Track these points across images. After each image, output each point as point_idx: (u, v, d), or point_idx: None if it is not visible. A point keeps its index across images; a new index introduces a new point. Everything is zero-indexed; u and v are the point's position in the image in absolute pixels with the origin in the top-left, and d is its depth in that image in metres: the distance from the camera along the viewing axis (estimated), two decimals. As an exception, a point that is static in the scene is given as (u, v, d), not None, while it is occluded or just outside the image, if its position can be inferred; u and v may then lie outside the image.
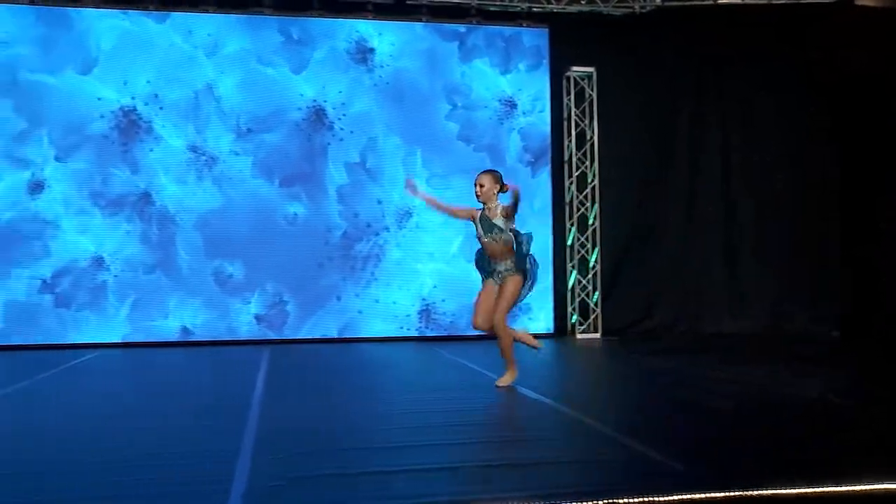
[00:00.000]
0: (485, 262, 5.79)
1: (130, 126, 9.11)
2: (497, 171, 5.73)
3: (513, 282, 5.60)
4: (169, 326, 9.14)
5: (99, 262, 9.04)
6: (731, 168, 10.46)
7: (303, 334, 9.37)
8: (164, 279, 9.14)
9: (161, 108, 9.17)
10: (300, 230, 9.40)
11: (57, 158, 8.97)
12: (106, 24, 9.13)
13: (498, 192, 5.62)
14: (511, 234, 5.58)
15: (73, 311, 8.97)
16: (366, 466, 3.61)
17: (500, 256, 5.63)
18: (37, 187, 8.93)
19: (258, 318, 9.31)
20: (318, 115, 9.45)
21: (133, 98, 9.12)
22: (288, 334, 9.34)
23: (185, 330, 9.16)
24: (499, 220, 5.58)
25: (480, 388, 5.89)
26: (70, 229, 8.97)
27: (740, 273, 10.39)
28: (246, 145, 9.32)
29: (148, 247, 9.14)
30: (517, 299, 5.67)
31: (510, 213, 5.51)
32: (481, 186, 5.59)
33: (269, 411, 4.96)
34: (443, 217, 9.60)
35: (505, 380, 5.77)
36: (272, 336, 9.30)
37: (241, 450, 3.88)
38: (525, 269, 5.62)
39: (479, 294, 5.80)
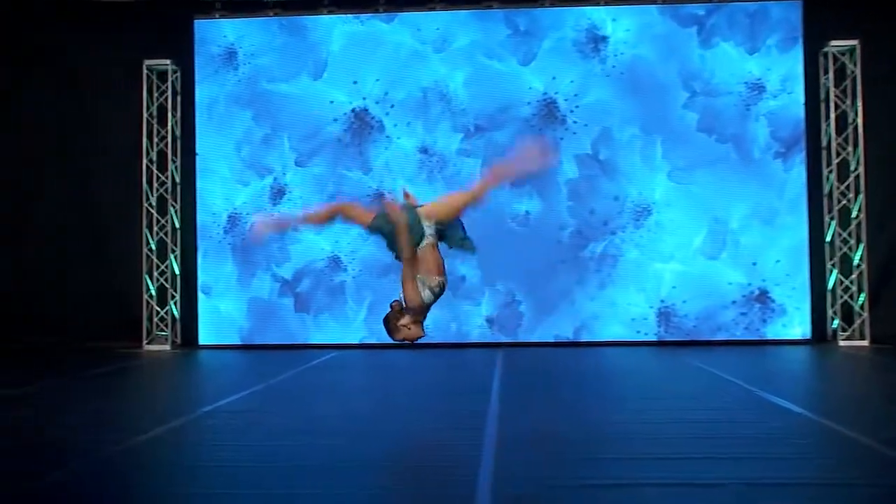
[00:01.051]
0: None
1: (363, 127, 9.67)
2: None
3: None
4: (401, 327, 9.57)
5: (336, 263, 9.66)
6: None
7: (535, 337, 9.48)
8: (397, 280, 9.57)
9: (392, 107, 9.64)
10: (531, 230, 9.51)
11: (297, 163, 9.69)
12: (338, 30, 9.74)
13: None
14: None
15: (313, 312, 9.65)
16: (614, 478, 3.61)
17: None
18: (279, 192, 9.71)
19: (489, 320, 9.53)
20: (549, 109, 9.51)
21: (364, 98, 9.67)
22: (520, 337, 9.48)
23: (416, 331, 9.55)
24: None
25: (730, 397, 5.67)
26: (308, 231, 9.64)
27: None
28: (476, 142, 9.57)
29: (382, 247, 9.61)
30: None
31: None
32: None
33: (507, 416, 5.08)
34: (685, 214, 9.39)
35: None
36: (504, 339, 9.49)
37: (482, 455, 4.00)
38: None
39: None
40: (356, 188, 9.65)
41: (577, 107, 9.48)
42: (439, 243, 4.81)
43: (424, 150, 9.63)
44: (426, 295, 4.70)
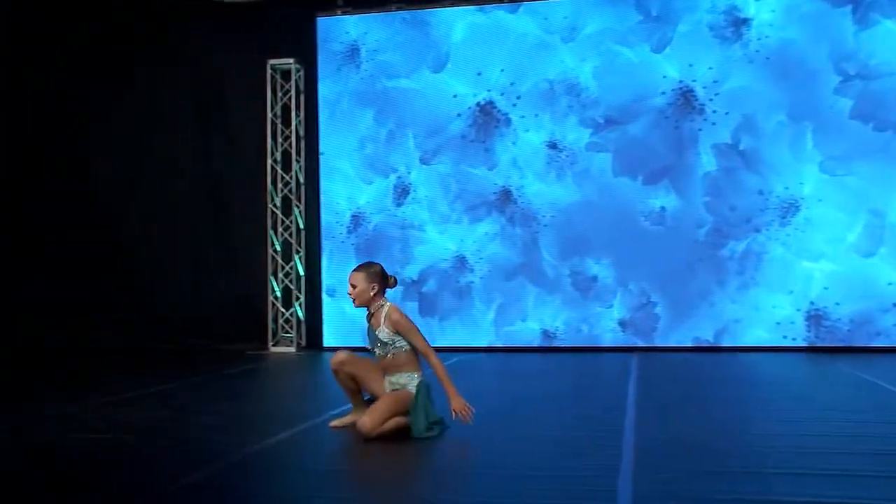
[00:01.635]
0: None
1: (488, 122, 9.66)
2: (375, 265, 4.85)
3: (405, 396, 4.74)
4: (530, 330, 9.54)
5: (462, 263, 9.70)
6: None
7: (672, 341, 9.25)
8: (526, 281, 9.56)
9: (518, 98, 9.59)
10: (666, 227, 9.29)
11: (421, 161, 9.79)
12: (461, 22, 9.78)
13: (380, 291, 4.80)
14: (404, 342, 4.75)
15: (438, 314, 9.72)
16: (766, 493, 3.48)
17: (395, 368, 4.78)
18: (403, 191, 9.83)
19: (622, 323, 9.36)
20: (685, 98, 9.26)
21: (489, 90, 9.67)
22: (656, 341, 9.27)
23: (545, 334, 9.50)
24: (383, 332, 4.73)
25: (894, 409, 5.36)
26: (433, 231, 9.74)
27: None
28: (608, 136, 9.41)
29: (509, 247, 9.62)
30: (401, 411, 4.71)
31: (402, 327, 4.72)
32: (353, 287, 4.77)
33: (645, 424, 4.97)
34: (838, 208, 8.95)
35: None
36: (638, 342, 9.31)
37: (621, 465, 3.93)
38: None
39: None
40: (481, 185, 9.67)
41: (716, 94, 9.19)
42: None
43: (553, 145, 9.55)
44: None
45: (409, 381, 4.74)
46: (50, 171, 10.66)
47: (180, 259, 10.43)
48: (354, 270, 4.81)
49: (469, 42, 9.76)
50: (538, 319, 9.54)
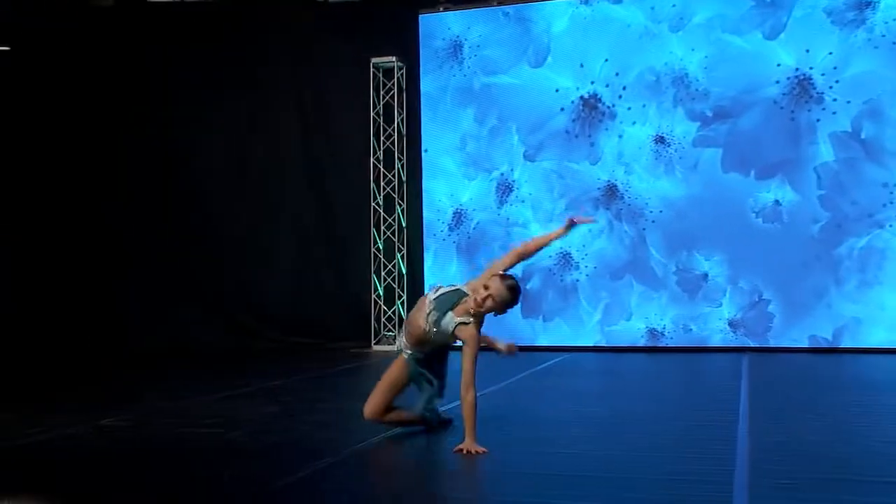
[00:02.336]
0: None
1: (592, 115, 9.54)
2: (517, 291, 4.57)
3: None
4: (635, 329, 9.38)
5: (567, 260, 9.61)
6: None
7: (787, 342, 8.95)
8: (632, 278, 9.41)
9: (624, 88, 9.44)
10: (782, 223, 8.99)
11: (525, 157, 9.73)
12: (563, 14, 9.68)
13: (495, 311, 4.54)
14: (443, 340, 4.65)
15: (541, 313, 9.65)
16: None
17: (410, 339, 4.77)
18: (507, 189, 9.80)
19: (732, 323, 9.11)
20: (802, 87, 8.94)
21: (592, 83, 9.54)
22: (769, 341, 8.99)
23: (651, 333, 9.33)
24: (449, 324, 4.56)
25: None
26: (537, 228, 9.66)
27: None
28: (718, 128, 9.17)
29: (616, 244, 9.48)
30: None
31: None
32: (486, 289, 4.49)
33: (759, 428, 4.83)
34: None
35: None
36: (750, 343, 9.04)
37: (735, 471, 3.82)
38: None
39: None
40: (586, 181, 9.56)
41: (836, 82, 8.82)
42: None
43: (660, 139, 9.36)
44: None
45: (406, 353, 4.80)
46: (157, 172, 11.04)
47: (285, 258, 10.66)
48: (507, 288, 4.47)
49: (570, 34, 9.65)
50: (644, 318, 9.37)
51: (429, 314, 4.59)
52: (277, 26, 10.67)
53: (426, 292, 4.99)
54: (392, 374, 4.82)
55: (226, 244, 10.81)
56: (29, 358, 9.79)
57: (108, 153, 11.11)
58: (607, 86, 9.51)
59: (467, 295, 4.58)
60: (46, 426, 5.21)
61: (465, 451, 4.26)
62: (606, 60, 9.50)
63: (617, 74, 9.48)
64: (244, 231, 10.80)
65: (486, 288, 4.46)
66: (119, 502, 3.38)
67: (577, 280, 9.59)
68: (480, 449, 4.26)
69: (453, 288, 4.67)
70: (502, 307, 4.51)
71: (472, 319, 4.51)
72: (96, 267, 11.07)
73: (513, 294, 4.49)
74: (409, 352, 4.78)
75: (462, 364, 4.43)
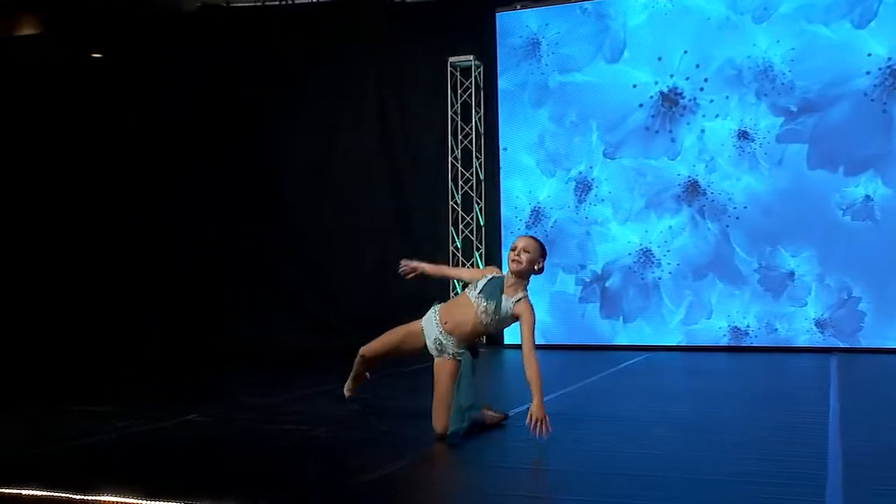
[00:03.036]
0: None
1: (671, 110, 9.38)
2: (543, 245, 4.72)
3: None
4: (717, 328, 9.20)
5: (648, 257, 9.47)
6: None
7: (878, 342, 8.67)
8: (714, 276, 9.23)
9: (706, 80, 9.26)
10: (873, 220, 8.71)
11: (604, 154, 9.63)
12: (640, 8, 9.54)
13: (538, 272, 4.66)
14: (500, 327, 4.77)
15: (621, 312, 9.53)
16: None
17: (462, 337, 4.73)
18: (585, 187, 9.70)
19: (819, 322, 8.86)
20: (895, 77, 8.63)
21: (672, 76, 9.37)
22: (860, 342, 8.72)
23: (734, 332, 9.14)
24: (506, 307, 4.61)
25: None
26: (616, 225, 9.56)
27: None
28: (804, 122, 8.93)
29: (699, 241, 9.30)
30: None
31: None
32: (526, 252, 4.59)
33: (852, 432, 4.68)
34: None
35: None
36: (838, 343, 8.78)
37: (828, 475, 3.71)
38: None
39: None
40: (666, 178, 9.41)
41: (930, 72, 8.53)
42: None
43: (743, 134, 9.16)
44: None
45: (458, 354, 4.74)
46: (240, 173, 11.24)
47: (366, 257, 10.75)
48: (530, 238, 4.71)
49: (647, 27, 9.51)
50: (726, 317, 9.19)
51: (484, 306, 4.64)
52: (356, 27, 10.77)
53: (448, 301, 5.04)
54: (445, 382, 4.78)
55: (310, 244, 10.94)
56: (133, 355, 10.08)
57: (200, 154, 11.35)
58: (687, 79, 9.35)
59: (503, 277, 4.68)
60: (137, 420, 5.36)
61: (534, 419, 4.28)
62: (686, 52, 9.34)
63: (697, 66, 9.31)
64: (326, 231, 10.92)
65: (521, 255, 4.58)
66: (203, 494, 3.46)
67: (660, 278, 9.43)
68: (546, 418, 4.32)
69: (487, 279, 4.72)
70: (543, 261, 4.67)
71: (524, 294, 4.61)
72: (192, 265, 11.32)
73: (540, 243, 4.70)
74: (460, 350, 4.77)
75: (525, 334, 4.51)
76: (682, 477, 3.79)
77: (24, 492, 3.62)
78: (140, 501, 3.43)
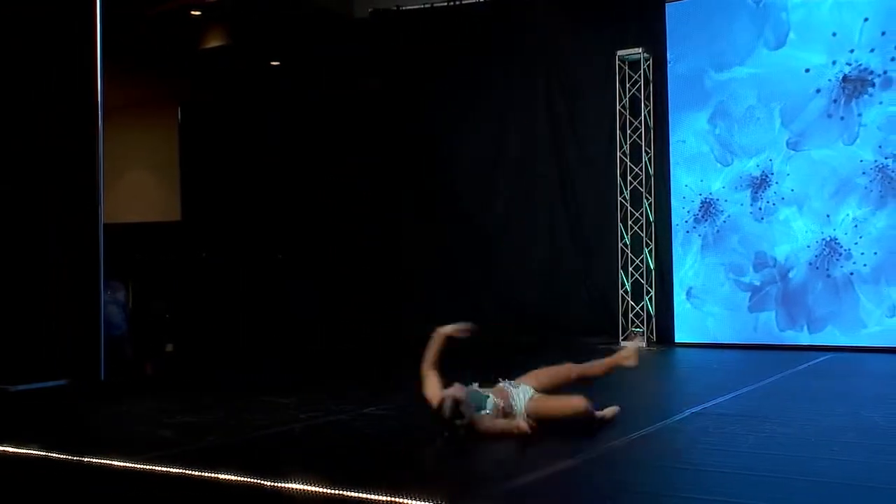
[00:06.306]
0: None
1: (855, 87, 8.80)
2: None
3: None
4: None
5: (834, 249, 8.93)
6: None
7: None
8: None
9: (893, 59, 8.67)
10: None
11: (788, 145, 9.19)
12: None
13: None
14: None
15: (805, 310, 9.06)
16: None
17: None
18: (762, 180, 9.29)
19: None
20: None
21: (851, 51, 8.82)
22: None
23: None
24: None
25: None
26: (797, 219, 9.09)
27: None
28: None
29: (894, 231, 8.71)
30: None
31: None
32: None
33: None
34: None
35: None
36: None
37: None
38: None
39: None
40: (849, 165, 8.85)
41: None
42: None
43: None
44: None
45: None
46: (417, 170, 11.46)
47: (536, 253, 10.74)
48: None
49: (812, 2, 9.00)
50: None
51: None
52: (525, 24, 10.78)
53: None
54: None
55: (482, 243, 11.00)
56: (321, 351, 10.47)
57: (381, 155, 11.66)
58: (872, 50, 8.73)
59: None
60: (319, 412, 5.59)
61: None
62: (866, 20, 8.75)
63: (883, 34, 8.68)
64: (499, 229, 10.97)
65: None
66: (382, 482, 3.56)
67: (852, 273, 8.86)
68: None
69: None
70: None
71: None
72: (374, 263, 11.65)
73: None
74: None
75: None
76: (874, 486, 3.59)
77: (221, 476, 3.86)
78: (328, 490, 3.58)
